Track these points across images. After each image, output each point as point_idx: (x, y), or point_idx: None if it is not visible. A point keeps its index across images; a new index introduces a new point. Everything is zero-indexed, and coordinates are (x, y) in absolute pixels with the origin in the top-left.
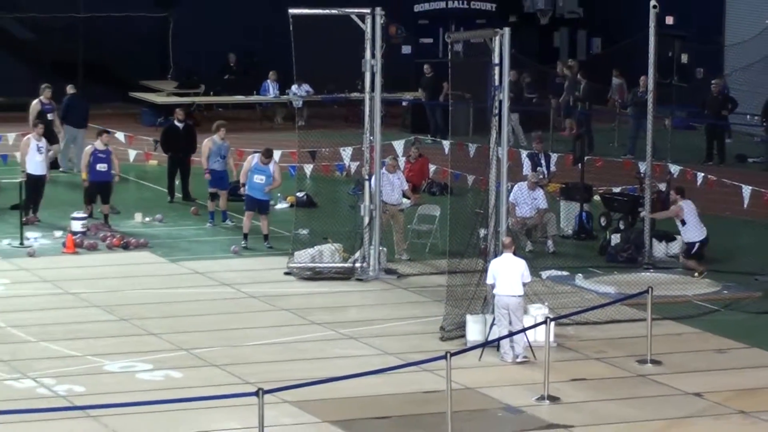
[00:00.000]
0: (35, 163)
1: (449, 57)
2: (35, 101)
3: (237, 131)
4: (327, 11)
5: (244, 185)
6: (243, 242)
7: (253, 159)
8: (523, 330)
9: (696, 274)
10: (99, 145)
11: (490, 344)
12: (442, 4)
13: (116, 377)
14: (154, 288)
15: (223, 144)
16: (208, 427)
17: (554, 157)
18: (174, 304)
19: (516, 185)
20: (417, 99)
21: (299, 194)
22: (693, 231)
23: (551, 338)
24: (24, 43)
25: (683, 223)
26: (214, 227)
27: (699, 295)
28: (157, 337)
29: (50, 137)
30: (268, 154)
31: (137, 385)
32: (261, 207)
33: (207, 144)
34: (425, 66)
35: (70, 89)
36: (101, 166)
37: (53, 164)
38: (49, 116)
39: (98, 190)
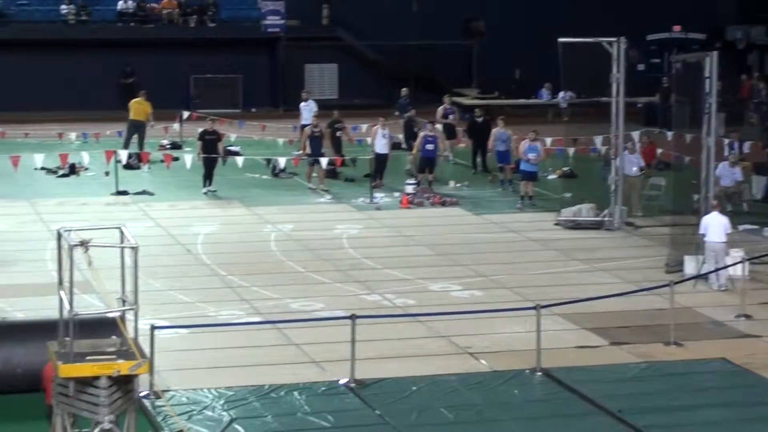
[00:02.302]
0: (381, 144)
1: (673, 72)
2: (441, 107)
3: (519, 125)
4: (585, 40)
5: (528, 160)
6: (518, 203)
7: (525, 143)
8: (725, 267)
9: None
10: (428, 131)
11: (701, 276)
12: (667, 34)
13: (437, 294)
14: (463, 233)
15: (504, 132)
16: (501, 331)
17: (747, 143)
18: (477, 244)
19: (720, 164)
20: (649, 102)
21: (565, 169)
22: None
23: (746, 272)
24: (374, 62)
25: None
26: (504, 191)
27: None
28: (465, 267)
29: (450, 133)
30: (535, 135)
31: (451, 300)
32: (532, 176)
33: (493, 132)
34: (663, 78)
35: (403, 91)
36: (429, 146)
37: (394, 146)
38: (450, 117)
39: (426, 163)
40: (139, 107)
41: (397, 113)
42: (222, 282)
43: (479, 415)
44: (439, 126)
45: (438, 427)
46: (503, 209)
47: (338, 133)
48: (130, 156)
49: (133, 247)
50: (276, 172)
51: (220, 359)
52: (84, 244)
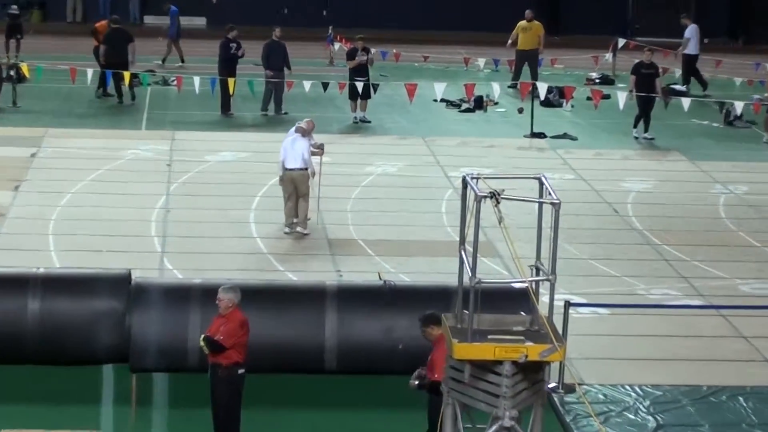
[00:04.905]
0: None
1: None
2: None
3: None
4: None
5: None
6: None
7: None
8: None
9: None
10: None
11: None
12: None
13: None
14: None
15: None
16: None
17: None
18: None
19: None
20: None
21: None
22: None
23: None
24: None
25: None
26: None
27: None
28: None
29: None
30: None
31: None
32: None
33: None
34: None
35: None
36: None
37: None
38: None
39: None
40: (526, 34)
41: None
42: (655, 253)
43: None
44: None
45: None
46: None
47: None
48: (550, 91)
49: (554, 203)
50: (730, 120)
51: (647, 349)
52: (495, 195)
